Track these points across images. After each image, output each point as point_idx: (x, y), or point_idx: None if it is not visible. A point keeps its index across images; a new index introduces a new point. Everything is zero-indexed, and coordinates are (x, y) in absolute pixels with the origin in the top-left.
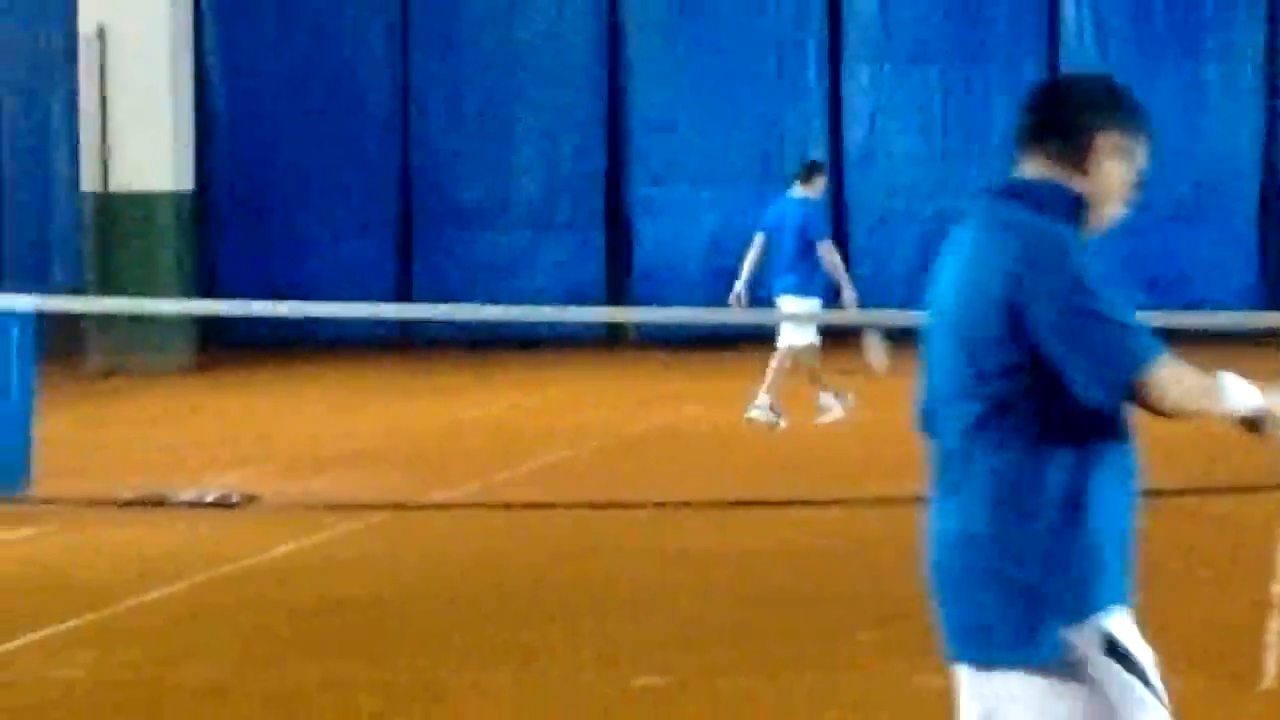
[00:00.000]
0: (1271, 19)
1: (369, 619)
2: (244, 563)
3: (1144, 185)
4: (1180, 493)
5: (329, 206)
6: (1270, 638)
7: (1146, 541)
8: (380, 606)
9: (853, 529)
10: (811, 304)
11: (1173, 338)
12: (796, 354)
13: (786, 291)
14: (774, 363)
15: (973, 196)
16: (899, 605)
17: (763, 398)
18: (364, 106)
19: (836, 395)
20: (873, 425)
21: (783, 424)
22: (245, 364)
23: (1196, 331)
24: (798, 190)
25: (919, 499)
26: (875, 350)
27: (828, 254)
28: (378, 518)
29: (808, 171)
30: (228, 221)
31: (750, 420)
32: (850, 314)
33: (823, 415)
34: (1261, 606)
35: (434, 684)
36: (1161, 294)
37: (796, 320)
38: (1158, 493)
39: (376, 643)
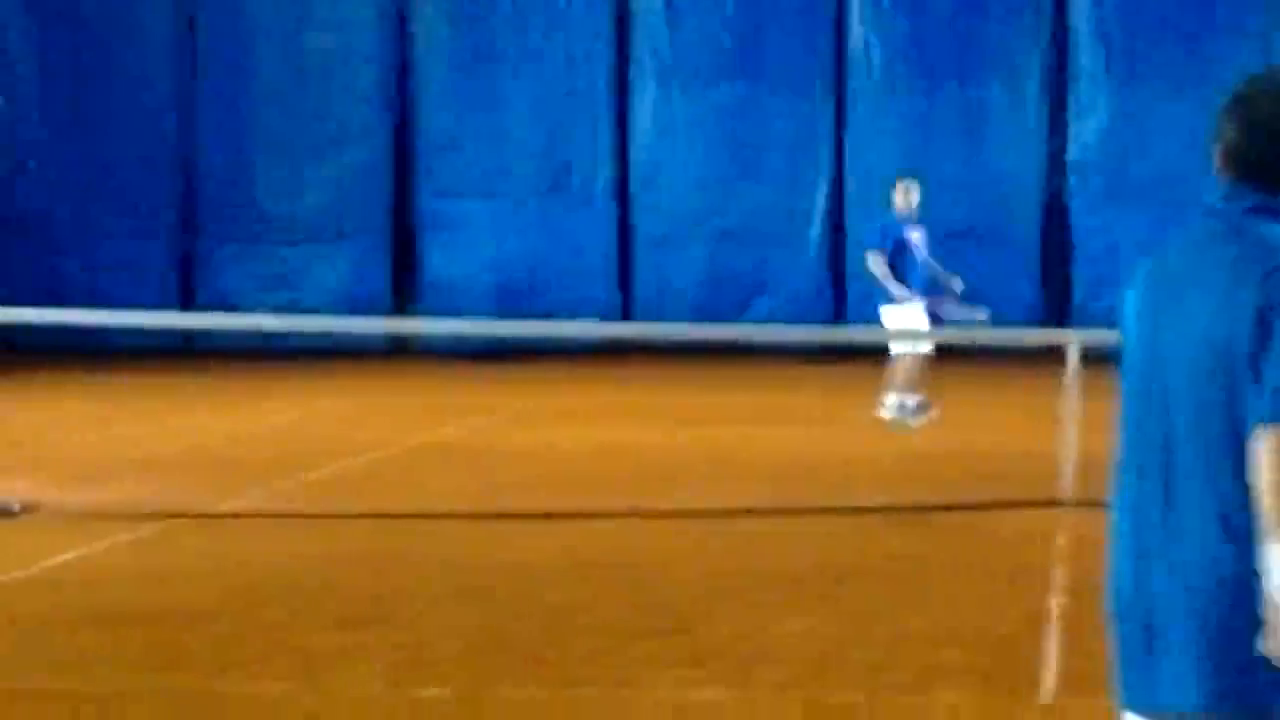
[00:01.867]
0: (1054, 40)
1: (152, 628)
2: (24, 571)
3: (926, 204)
4: (957, 508)
5: (113, 215)
6: (1047, 651)
7: (925, 558)
8: (164, 616)
9: (624, 542)
10: (911, 310)
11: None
12: (907, 357)
13: (882, 302)
14: (898, 373)
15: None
16: (669, 620)
17: (892, 399)
18: (150, 116)
19: (920, 405)
20: (646, 441)
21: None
22: (27, 371)
23: (978, 349)
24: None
25: (688, 513)
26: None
27: (873, 263)
28: (161, 526)
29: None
30: (8, 228)
31: (891, 423)
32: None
33: (884, 410)
34: (1038, 620)
35: (217, 695)
36: None
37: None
38: (935, 509)
39: (160, 653)
